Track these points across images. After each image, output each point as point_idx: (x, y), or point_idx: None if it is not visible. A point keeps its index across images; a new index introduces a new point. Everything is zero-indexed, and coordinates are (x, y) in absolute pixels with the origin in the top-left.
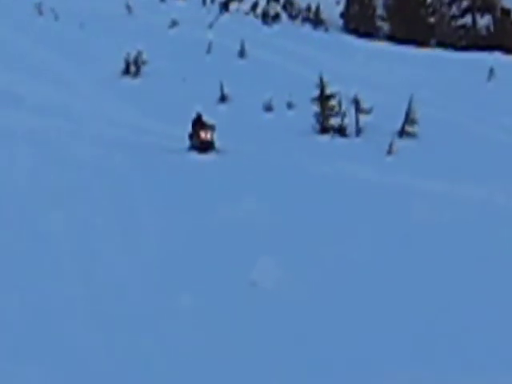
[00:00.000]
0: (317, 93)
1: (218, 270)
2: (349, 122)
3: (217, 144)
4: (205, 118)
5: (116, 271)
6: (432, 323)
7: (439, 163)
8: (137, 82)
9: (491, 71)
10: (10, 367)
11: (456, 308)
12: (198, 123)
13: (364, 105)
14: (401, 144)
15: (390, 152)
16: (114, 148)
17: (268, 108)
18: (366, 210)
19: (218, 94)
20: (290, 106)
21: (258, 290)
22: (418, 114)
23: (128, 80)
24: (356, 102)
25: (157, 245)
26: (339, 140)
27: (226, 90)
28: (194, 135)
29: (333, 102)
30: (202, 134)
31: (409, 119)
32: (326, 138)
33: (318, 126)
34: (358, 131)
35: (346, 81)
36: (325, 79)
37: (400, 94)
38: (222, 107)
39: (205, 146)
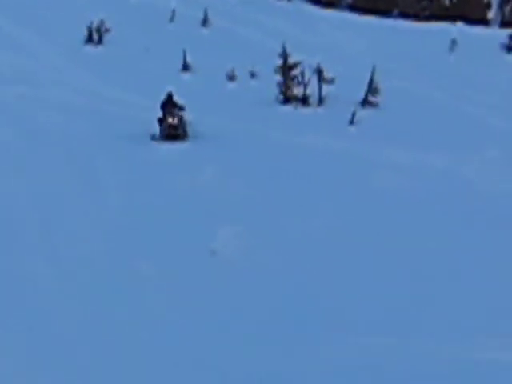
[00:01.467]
0: (280, 62)
1: (180, 239)
2: (312, 91)
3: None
4: (175, 99)
5: (79, 240)
6: (382, 289)
7: (401, 133)
8: (99, 50)
9: (453, 42)
10: None
11: (407, 274)
12: (169, 105)
13: (327, 74)
14: (363, 114)
15: (352, 122)
16: (76, 115)
17: (231, 77)
18: (327, 180)
19: (181, 63)
20: (253, 75)
21: (219, 258)
22: (380, 84)
23: (91, 48)
24: (319, 72)
25: (119, 214)
26: (302, 110)
27: (189, 59)
28: (163, 119)
29: (296, 72)
30: (170, 119)
31: (371, 89)
32: (289, 107)
33: (281, 96)
34: (321, 101)
35: (308, 50)
36: (288, 49)
37: (363, 64)
38: (185, 76)
39: (173, 133)
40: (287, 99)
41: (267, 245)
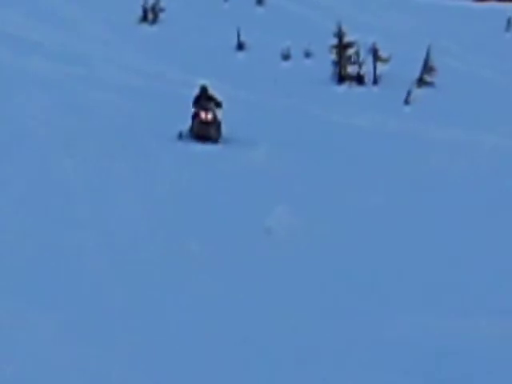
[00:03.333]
0: (335, 41)
1: (235, 219)
2: (367, 71)
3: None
4: (212, 92)
5: (130, 219)
6: (437, 269)
7: (457, 112)
8: (154, 29)
9: (509, 22)
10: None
11: (463, 255)
12: (202, 99)
13: (382, 54)
14: (418, 93)
15: (407, 101)
16: (129, 95)
17: (286, 56)
18: (382, 159)
19: (235, 42)
20: (307, 54)
21: (273, 236)
22: (435, 63)
23: (145, 27)
24: (374, 51)
25: (170, 194)
26: (357, 89)
27: (244, 38)
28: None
29: (351, 51)
30: (202, 115)
31: (427, 68)
32: (343, 87)
33: (335, 75)
34: (376, 80)
35: (363, 30)
36: (343, 28)
37: (418, 43)
38: (240, 55)
39: (204, 132)
40: (342, 78)
41: (322, 223)
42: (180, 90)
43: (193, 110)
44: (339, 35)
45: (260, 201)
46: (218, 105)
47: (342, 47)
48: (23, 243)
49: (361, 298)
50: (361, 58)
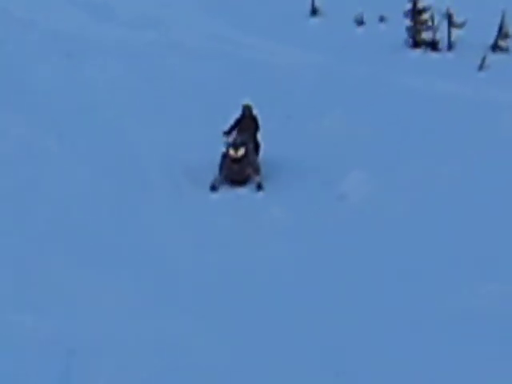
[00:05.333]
0: (409, 6)
1: (309, 186)
2: (441, 36)
3: None
4: (256, 112)
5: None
6: None
7: None
8: None
9: None
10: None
11: None
12: (244, 121)
13: (456, 19)
14: (493, 59)
15: (482, 67)
16: (205, 60)
17: (359, 22)
18: (456, 125)
19: (309, 8)
20: (381, 19)
21: (347, 203)
22: (511, 28)
23: None
24: (449, 16)
25: None
26: (431, 55)
27: (318, 4)
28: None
29: (425, 16)
30: (231, 152)
31: (502, 34)
32: (418, 52)
33: (410, 41)
34: (450, 46)
35: None
36: None
37: (493, 8)
38: (313, 21)
39: (236, 177)
40: (416, 44)
41: (396, 189)
42: (254, 55)
43: (224, 139)
44: (413, 0)
45: (336, 166)
46: (257, 128)
47: (416, 12)
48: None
49: (438, 265)
50: (435, 23)
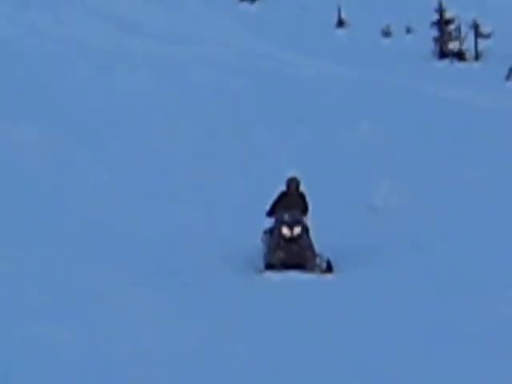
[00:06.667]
0: (436, 17)
1: (340, 196)
2: (468, 46)
3: None
4: (303, 187)
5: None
6: None
7: None
8: (254, 7)
9: None
10: None
11: None
12: (290, 198)
13: (483, 29)
14: None
15: (509, 77)
16: (229, 72)
17: (386, 33)
18: (484, 135)
19: (335, 19)
20: (408, 30)
21: (378, 213)
22: None
23: (246, 5)
24: (475, 27)
25: (274, 165)
26: (458, 65)
27: (344, 15)
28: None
29: (452, 27)
30: (285, 230)
31: None
32: (444, 62)
33: (437, 51)
34: (477, 56)
35: (463, 5)
36: (443, 3)
37: None
38: (340, 32)
39: (295, 260)
40: (443, 54)
41: (426, 200)
42: (281, 67)
43: (268, 217)
44: (440, 11)
45: (365, 178)
46: (306, 210)
47: (443, 23)
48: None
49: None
50: (462, 34)
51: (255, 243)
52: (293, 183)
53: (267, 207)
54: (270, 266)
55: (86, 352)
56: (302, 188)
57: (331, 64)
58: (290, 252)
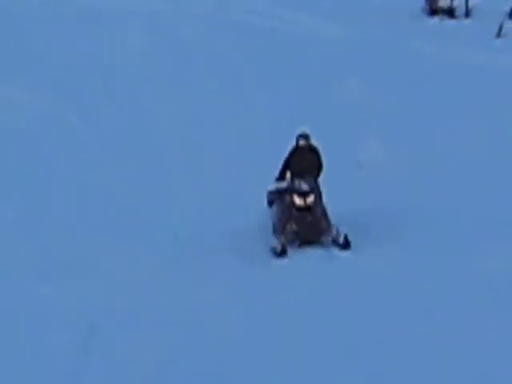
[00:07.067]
0: None
1: (328, 152)
2: (459, 3)
3: None
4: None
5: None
6: None
7: None
8: None
9: None
10: None
11: None
12: (300, 156)
13: None
14: (510, 26)
15: (499, 34)
16: (220, 29)
17: None
18: (472, 92)
19: None
20: None
21: (365, 169)
22: None
23: None
24: None
25: (264, 122)
26: (448, 22)
27: None
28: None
29: None
30: (297, 200)
31: None
32: (435, 20)
33: (427, 8)
34: (468, 13)
35: None
36: None
37: None
38: None
39: (310, 232)
40: (434, 11)
41: (412, 156)
42: (271, 23)
43: (275, 186)
44: None
45: (352, 134)
46: (320, 167)
47: None
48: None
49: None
50: None
51: (255, 208)
52: (303, 140)
53: (276, 170)
54: (282, 252)
55: (71, 308)
56: (314, 143)
57: (320, 20)
58: (303, 223)
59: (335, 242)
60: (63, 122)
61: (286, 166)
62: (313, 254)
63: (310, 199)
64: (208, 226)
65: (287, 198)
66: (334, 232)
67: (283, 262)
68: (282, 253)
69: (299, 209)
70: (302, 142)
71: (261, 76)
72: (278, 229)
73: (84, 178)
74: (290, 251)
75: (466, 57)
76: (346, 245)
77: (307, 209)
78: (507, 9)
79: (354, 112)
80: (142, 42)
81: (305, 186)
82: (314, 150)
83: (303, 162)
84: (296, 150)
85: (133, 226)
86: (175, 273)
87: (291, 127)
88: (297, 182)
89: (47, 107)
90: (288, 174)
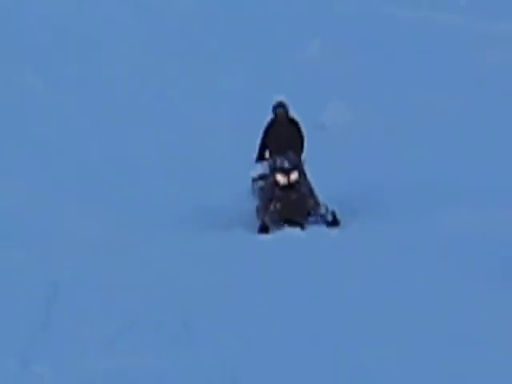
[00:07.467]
0: None
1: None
2: None
3: None
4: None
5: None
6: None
7: None
8: None
9: None
10: None
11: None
12: (277, 130)
13: None
14: None
15: None
16: None
17: None
18: (441, 55)
19: None
20: None
21: (327, 131)
22: None
23: None
24: None
25: (226, 87)
26: None
27: None
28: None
29: None
30: (280, 177)
31: None
32: None
33: None
34: None
35: None
36: None
37: None
38: None
39: (295, 211)
40: None
41: (377, 119)
42: None
43: (258, 162)
44: None
45: (314, 97)
46: (302, 142)
47: None
48: None
49: (414, 197)
50: None
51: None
52: (280, 111)
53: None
54: (264, 229)
55: (35, 268)
56: (292, 115)
57: None
58: (287, 202)
59: (323, 220)
60: (28, 88)
61: (264, 144)
62: (296, 231)
63: (294, 176)
64: (183, 203)
65: (270, 177)
66: (322, 211)
67: (265, 238)
68: (262, 230)
69: (283, 187)
70: (280, 112)
71: (223, 41)
72: (261, 210)
73: (52, 146)
74: (273, 230)
75: (430, 17)
76: (333, 222)
77: (291, 187)
78: None
79: (316, 74)
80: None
81: (287, 163)
82: (293, 122)
83: (282, 137)
84: (273, 124)
85: (103, 190)
86: (147, 241)
87: (252, 90)
88: (278, 160)
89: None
90: (267, 154)
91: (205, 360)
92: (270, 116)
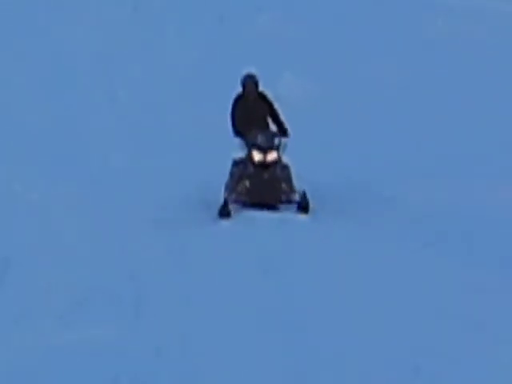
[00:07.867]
0: None
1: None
2: None
3: None
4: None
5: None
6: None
7: None
8: None
9: None
10: None
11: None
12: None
13: None
14: None
15: None
16: None
17: None
18: (396, 28)
19: None
20: None
21: (283, 102)
22: None
23: None
24: None
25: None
26: None
27: None
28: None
29: None
30: (256, 155)
31: None
32: None
33: None
34: None
35: None
36: None
37: None
38: None
39: (267, 194)
40: None
41: (335, 90)
42: None
43: (237, 136)
44: None
45: (269, 68)
46: (273, 114)
47: None
48: None
49: (376, 173)
50: None
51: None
52: (249, 83)
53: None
54: (225, 213)
55: None
56: (262, 88)
57: None
58: (258, 180)
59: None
60: None
61: (235, 118)
62: (261, 215)
63: (272, 156)
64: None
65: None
66: (296, 198)
67: (224, 224)
68: (223, 212)
69: (257, 165)
70: (249, 84)
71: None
72: (229, 187)
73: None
74: (237, 212)
75: None
76: (302, 206)
77: (266, 167)
78: None
79: (271, 46)
80: None
81: (268, 141)
82: (261, 95)
83: (251, 111)
84: (240, 99)
85: (57, 163)
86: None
87: (205, 62)
88: (259, 136)
89: None
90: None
91: (156, 331)
92: (226, 89)
